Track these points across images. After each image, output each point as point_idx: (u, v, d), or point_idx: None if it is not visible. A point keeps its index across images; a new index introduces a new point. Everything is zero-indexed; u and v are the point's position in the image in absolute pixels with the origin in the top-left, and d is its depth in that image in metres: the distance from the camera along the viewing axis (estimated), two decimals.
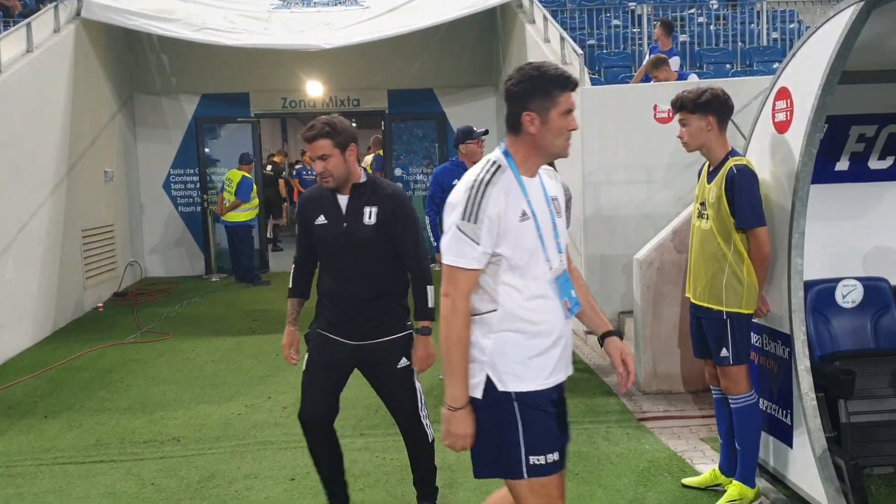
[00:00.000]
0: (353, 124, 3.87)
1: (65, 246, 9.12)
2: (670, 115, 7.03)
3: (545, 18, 9.30)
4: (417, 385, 3.79)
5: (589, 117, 7.32)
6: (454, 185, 6.66)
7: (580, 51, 7.92)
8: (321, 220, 3.63)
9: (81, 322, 9.25)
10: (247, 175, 11.30)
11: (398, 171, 13.13)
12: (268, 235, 14.43)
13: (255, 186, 11.49)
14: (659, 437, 5.04)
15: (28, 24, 8.61)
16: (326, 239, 3.65)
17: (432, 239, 6.34)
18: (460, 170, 6.29)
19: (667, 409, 5.57)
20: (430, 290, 3.67)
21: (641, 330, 5.89)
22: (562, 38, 8.47)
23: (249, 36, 10.29)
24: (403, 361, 3.73)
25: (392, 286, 3.67)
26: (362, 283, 3.62)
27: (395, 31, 10.32)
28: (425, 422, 3.81)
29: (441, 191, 6.27)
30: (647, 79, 8.16)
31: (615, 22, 11.17)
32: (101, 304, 10.01)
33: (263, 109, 12.94)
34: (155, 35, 10.94)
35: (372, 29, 10.37)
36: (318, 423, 3.74)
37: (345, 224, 3.59)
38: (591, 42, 10.55)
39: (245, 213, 11.24)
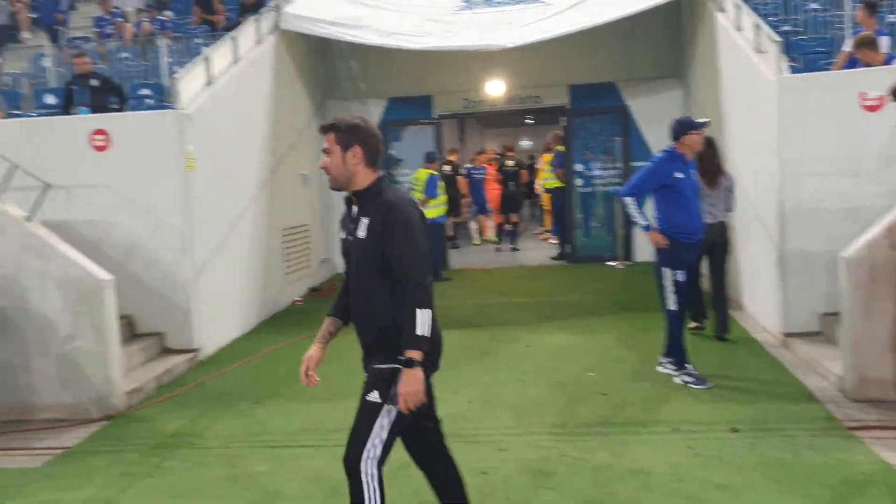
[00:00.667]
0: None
1: (269, 244, 9.79)
2: (882, 101, 6.56)
3: (736, 6, 8.89)
4: (378, 432, 3.19)
5: (788, 107, 6.97)
6: (676, 176, 6.33)
7: (777, 38, 7.50)
8: (342, 234, 3.40)
9: (283, 315, 9.88)
10: (433, 172, 11.62)
11: (578, 167, 13.02)
12: (449, 233, 14.75)
13: (440, 183, 11.81)
14: (872, 448, 4.69)
15: (234, 38, 9.29)
16: (343, 254, 3.42)
17: (639, 220, 6.11)
18: (679, 162, 6.09)
19: (880, 418, 5.18)
20: (420, 313, 3.08)
21: (850, 332, 5.52)
22: (756, 26, 8.06)
23: (434, 38, 10.56)
24: (374, 395, 3.20)
25: (385, 310, 3.19)
26: (359, 304, 3.32)
27: (577, 26, 10.21)
28: (365, 479, 3.16)
29: (658, 182, 6.02)
30: (850, 64, 7.61)
31: (812, 5, 10.49)
32: (299, 298, 10.65)
33: (445, 110, 13.24)
34: (345, 42, 11.44)
35: (554, 26, 10.32)
36: (405, 446, 3.49)
37: (350, 238, 3.30)
38: (787, 28, 9.95)
39: (433, 210, 11.51)
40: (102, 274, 6.21)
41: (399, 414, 3.18)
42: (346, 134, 3.24)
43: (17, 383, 6.15)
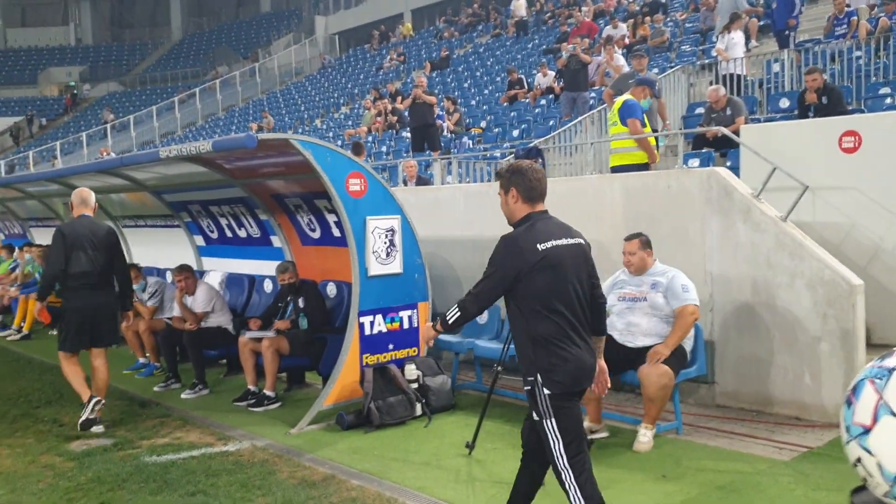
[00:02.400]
0: None
1: None
2: None
3: None
4: (554, 442, 3.74)
5: None
6: None
7: None
8: None
9: None
10: None
11: None
12: None
13: None
14: None
15: None
16: None
17: None
18: None
19: None
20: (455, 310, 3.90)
21: None
22: None
23: None
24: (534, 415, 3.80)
25: (515, 335, 3.86)
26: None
27: None
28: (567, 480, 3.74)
29: None
30: None
31: None
32: None
33: None
34: None
35: None
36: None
37: None
38: None
39: None
40: (854, 278, 6.07)
41: (556, 418, 3.69)
42: (502, 179, 3.86)
43: (760, 375, 6.45)
